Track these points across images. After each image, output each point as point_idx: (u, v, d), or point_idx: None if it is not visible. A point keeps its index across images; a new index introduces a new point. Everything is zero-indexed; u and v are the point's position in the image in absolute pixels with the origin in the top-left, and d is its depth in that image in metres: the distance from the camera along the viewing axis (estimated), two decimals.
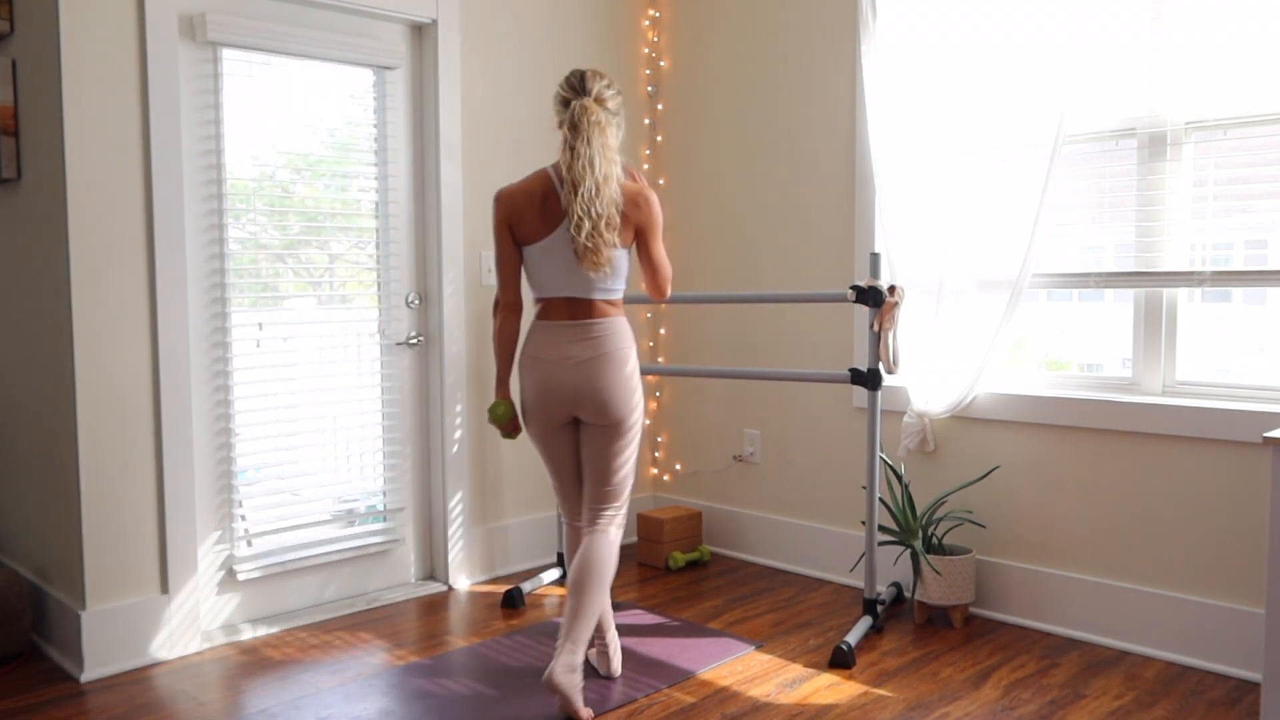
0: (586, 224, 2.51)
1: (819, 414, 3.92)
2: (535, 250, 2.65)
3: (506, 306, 2.74)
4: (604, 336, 2.64)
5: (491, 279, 3.89)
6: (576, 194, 2.52)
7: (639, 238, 2.69)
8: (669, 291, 2.80)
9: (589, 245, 2.52)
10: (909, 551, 3.38)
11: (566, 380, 2.64)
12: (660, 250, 2.73)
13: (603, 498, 2.77)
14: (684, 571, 4.03)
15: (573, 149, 2.53)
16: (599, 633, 2.95)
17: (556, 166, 2.63)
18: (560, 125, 2.63)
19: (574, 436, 2.77)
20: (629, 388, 2.68)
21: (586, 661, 3.03)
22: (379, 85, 3.63)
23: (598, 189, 2.51)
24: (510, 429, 2.81)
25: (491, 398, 3.94)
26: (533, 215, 2.62)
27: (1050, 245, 3.34)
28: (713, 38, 4.20)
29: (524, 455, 4.07)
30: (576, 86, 2.61)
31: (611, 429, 2.70)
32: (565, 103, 2.64)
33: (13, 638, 3.07)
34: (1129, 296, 3.20)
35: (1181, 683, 2.90)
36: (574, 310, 2.65)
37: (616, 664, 2.95)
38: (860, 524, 3.77)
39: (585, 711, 2.59)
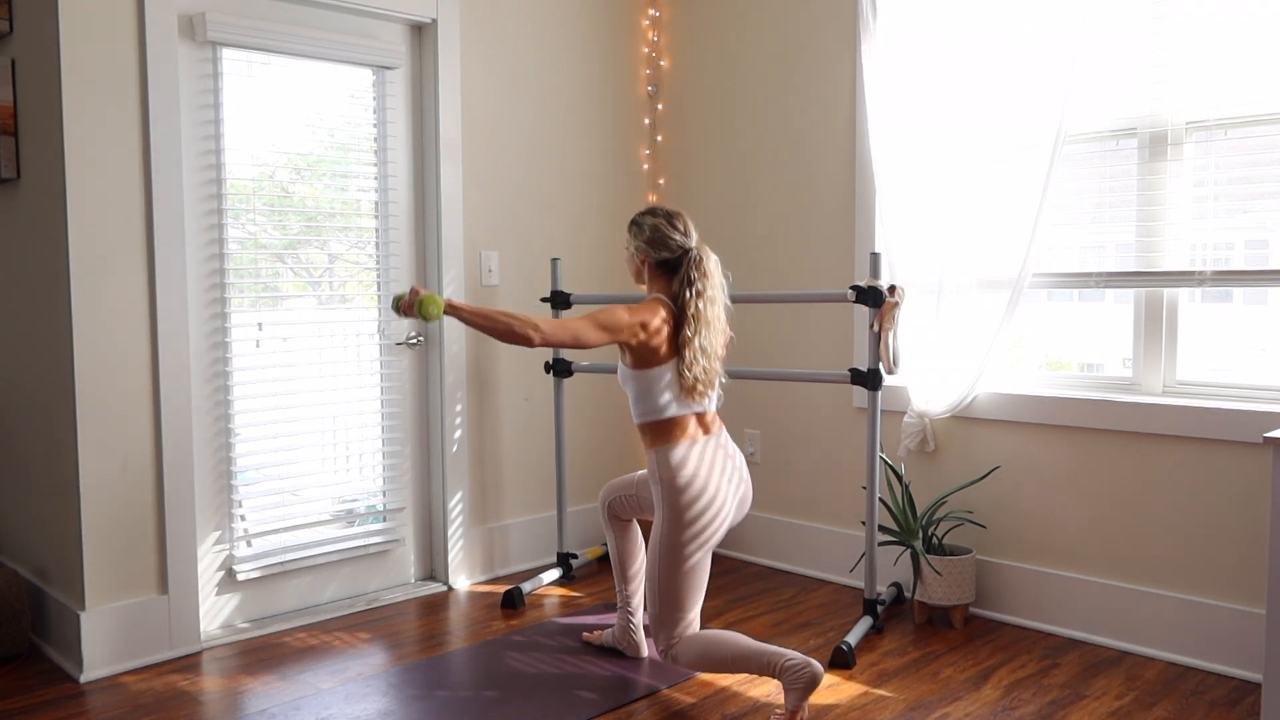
0: (703, 360, 2.70)
1: (819, 414, 3.92)
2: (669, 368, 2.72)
3: (531, 337, 2.60)
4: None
5: (492, 279, 3.88)
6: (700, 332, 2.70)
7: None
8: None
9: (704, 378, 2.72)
10: (909, 552, 3.38)
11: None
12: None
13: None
14: None
15: (701, 294, 2.71)
16: (626, 604, 3.08)
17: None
18: (657, 256, 2.75)
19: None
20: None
21: (612, 646, 3.15)
22: (379, 85, 3.63)
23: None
24: (412, 315, 2.66)
25: (491, 398, 3.93)
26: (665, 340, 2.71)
27: (1051, 245, 3.34)
28: (713, 38, 4.20)
29: (524, 455, 4.07)
30: (684, 230, 2.77)
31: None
32: (664, 240, 2.74)
33: (12, 638, 3.07)
34: (1129, 296, 3.20)
35: (1182, 683, 2.90)
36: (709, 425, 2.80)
37: (643, 641, 3.11)
38: (860, 524, 3.76)
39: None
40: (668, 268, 2.77)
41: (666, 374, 2.70)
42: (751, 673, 2.62)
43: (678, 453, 2.68)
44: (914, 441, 3.55)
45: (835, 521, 3.89)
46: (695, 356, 2.68)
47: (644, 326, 2.66)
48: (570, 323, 2.63)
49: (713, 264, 2.76)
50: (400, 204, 3.71)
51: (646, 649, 3.12)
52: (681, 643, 2.70)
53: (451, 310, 2.63)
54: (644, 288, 2.86)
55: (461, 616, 3.52)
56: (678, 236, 2.75)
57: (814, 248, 3.90)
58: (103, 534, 3.00)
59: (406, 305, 2.63)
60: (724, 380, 2.83)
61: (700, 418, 2.75)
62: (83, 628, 2.96)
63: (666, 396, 2.70)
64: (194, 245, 3.21)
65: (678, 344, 2.70)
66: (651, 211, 2.81)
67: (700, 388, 2.70)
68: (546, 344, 2.62)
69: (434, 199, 3.72)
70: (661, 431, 2.71)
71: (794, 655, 2.55)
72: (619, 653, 3.13)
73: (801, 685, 2.52)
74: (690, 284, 2.71)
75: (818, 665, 2.53)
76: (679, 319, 2.71)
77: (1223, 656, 2.96)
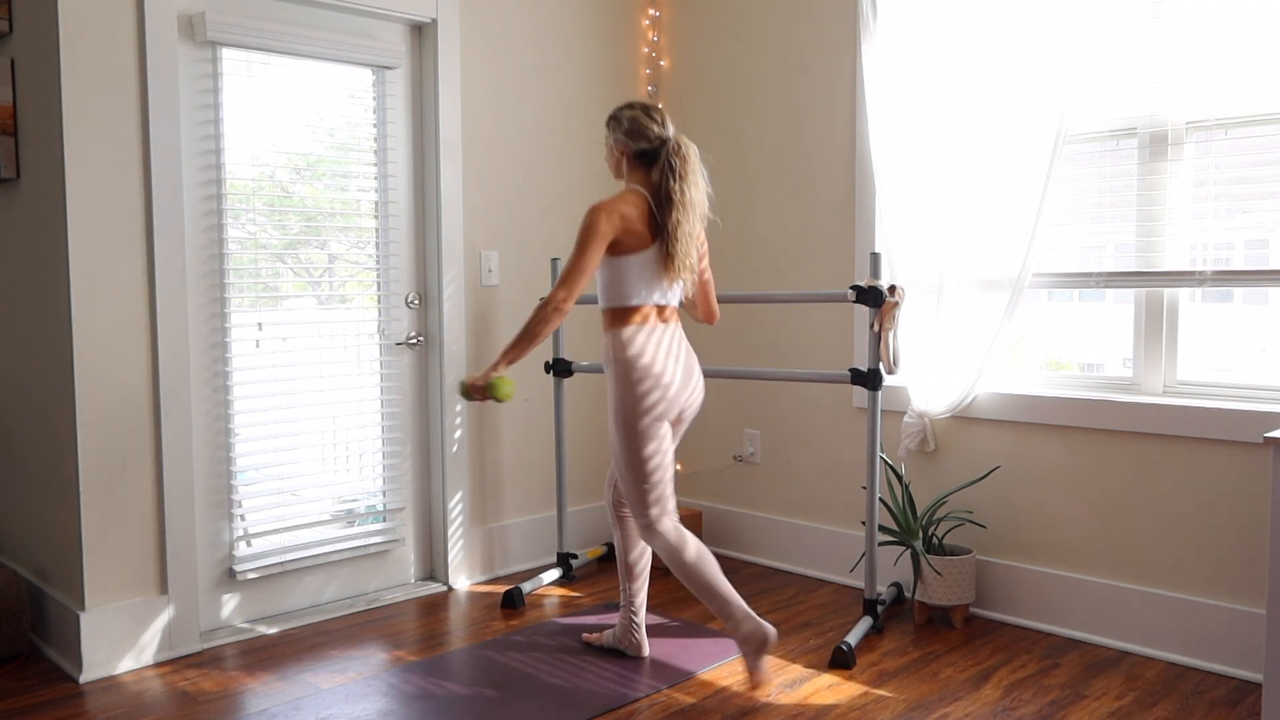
0: (685, 242, 2.78)
1: (819, 414, 3.92)
2: (638, 259, 2.79)
3: (560, 305, 2.74)
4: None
5: (492, 279, 3.88)
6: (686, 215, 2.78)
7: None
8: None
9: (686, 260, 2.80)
10: (909, 552, 3.37)
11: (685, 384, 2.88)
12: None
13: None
14: None
15: (683, 178, 2.78)
16: (629, 603, 3.11)
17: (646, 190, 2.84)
18: (635, 146, 2.82)
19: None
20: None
21: (613, 646, 3.16)
22: (379, 85, 3.63)
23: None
24: (487, 399, 2.82)
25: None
26: (641, 229, 2.78)
27: (1051, 245, 3.33)
28: (713, 38, 4.20)
29: (524, 455, 4.07)
30: (661, 121, 2.84)
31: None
32: (642, 130, 2.80)
33: (12, 638, 3.07)
34: (1130, 296, 3.20)
35: (1182, 683, 2.90)
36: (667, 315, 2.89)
37: (644, 641, 3.14)
38: (860, 524, 3.76)
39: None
40: (646, 158, 2.83)
41: (639, 262, 2.77)
42: (709, 606, 2.77)
43: (629, 332, 2.78)
44: (914, 441, 3.55)
45: (835, 521, 3.89)
46: (685, 238, 2.76)
47: (623, 218, 2.74)
48: (573, 267, 2.72)
49: (692, 151, 2.82)
50: (400, 204, 3.71)
51: (648, 649, 3.12)
52: (662, 529, 2.81)
53: (510, 366, 2.80)
54: (623, 182, 2.91)
55: (461, 616, 3.52)
56: (655, 127, 2.82)
57: (814, 248, 3.90)
58: (102, 534, 2.99)
59: (480, 394, 2.78)
60: (695, 272, 2.86)
61: (661, 310, 2.83)
62: (82, 628, 2.96)
63: (636, 285, 2.78)
64: (193, 245, 3.21)
65: (663, 229, 2.77)
66: (629, 105, 2.87)
67: (684, 272, 2.79)
68: (572, 295, 2.72)
69: (434, 199, 3.72)
70: (622, 316, 2.80)
71: (750, 617, 2.70)
72: (619, 653, 3.13)
73: (754, 647, 2.72)
74: (671, 170, 2.77)
75: (771, 629, 2.69)
76: (662, 206, 2.77)
77: (1223, 656, 2.96)
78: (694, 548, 2.79)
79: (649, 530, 2.83)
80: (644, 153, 2.82)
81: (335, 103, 3.54)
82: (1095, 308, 3.45)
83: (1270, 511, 2.25)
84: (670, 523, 2.83)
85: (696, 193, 2.79)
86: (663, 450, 2.82)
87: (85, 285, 2.93)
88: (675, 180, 2.76)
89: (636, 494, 2.82)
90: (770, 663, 3.03)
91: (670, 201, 2.76)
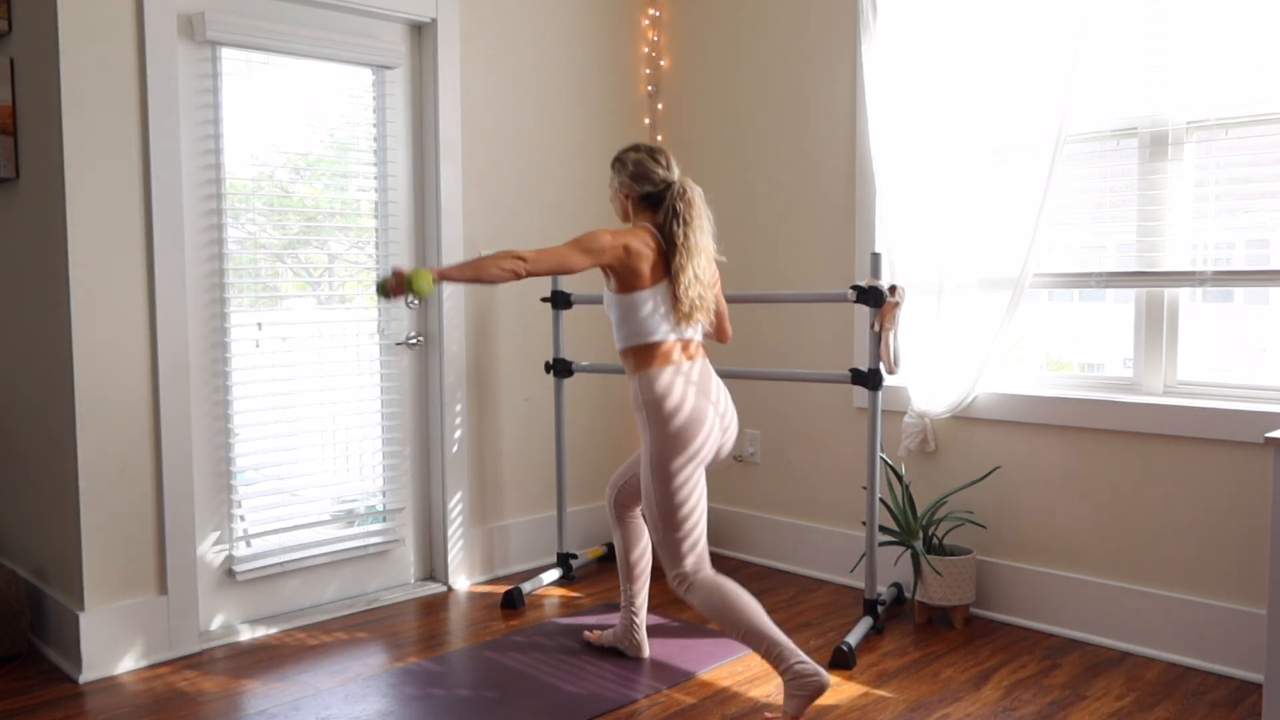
0: (697, 286, 2.74)
1: (819, 414, 3.92)
2: (648, 294, 2.73)
3: (518, 269, 2.61)
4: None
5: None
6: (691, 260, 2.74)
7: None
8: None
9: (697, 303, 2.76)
10: (909, 552, 3.37)
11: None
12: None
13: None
14: None
15: (688, 223, 2.75)
16: (630, 604, 3.09)
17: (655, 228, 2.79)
18: (640, 190, 2.78)
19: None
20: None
21: (613, 646, 3.15)
22: (378, 85, 3.63)
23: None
24: (403, 295, 2.63)
25: (491, 398, 3.93)
26: (645, 267, 2.72)
27: (1051, 245, 3.33)
28: (713, 38, 4.20)
29: (524, 455, 4.06)
30: (666, 165, 2.81)
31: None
32: (647, 174, 2.77)
33: (11, 638, 3.07)
34: (1130, 296, 3.20)
35: (1183, 684, 2.90)
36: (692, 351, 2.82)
37: (645, 642, 3.11)
38: (861, 524, 3.76)
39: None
40: (651, 201, 2.79)
41: (650, 299, 2.71)
42: (755, 651, 2.61)
43: (660, 376, 2.69)
44: (914, 441, 3.55)
45: (835, 521, 3.89)
46: (690, 282, 2.71)
47: (626, 249, 2.68)
48: (552, 252, 2.64)
49: (697, 195, 2.78)
50: (400, 204, 3.71)
51: (648, 649, 3.11)
52: (698, 582, 2.68)
53: (440, 279, 2.63)
54: (630, 224, 2.87)
55: (461, 617, 3.51)
56: (660, 170, 2.78)
57: (814, 248, 3.89)
58: (102, 534, 2.99)
59: (395, 288, 2.59)
60: (711, 311, 2.82)
61: (685, 345, 2.77)
62: (82, 628, 2.96)
63: (651, 321, 2.72)
64: (193, 245, 3.21)
65: (670, 271, 2.72)
66: (634, 148, 2.84)
67: (695, 314, 2.74)
68: (534, 273, 2.62)
69: (434, 199, 3.72)
70: (644, 356, 2.72)
71: (805, 661, 2.54)
72: (619, 653, 3.13)
73: (806, 694, 2.53)
74: (676, 214, 2.73)
75: (826, 676, 2.54)
76: (668, 249, 2.74)
77: (1223, 657, 2.96)
78: (735, 593, 2.64)
79: (683, 582, 2.68)
80: (649, 196, 2.79)
81: (335, 102, 3.54)
82: (1095, 308, 3.45)
83: (1271, 511, 2.25)
84: (707, 575, 2.69)
85: (702, 237, 2.74)
86: (698, 496, 2.70)
87: (85, 285, 2.93)
88: (680, 225, 2.72)
89: (670, 544, 2.68)
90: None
91: (674, 246, 2.72)
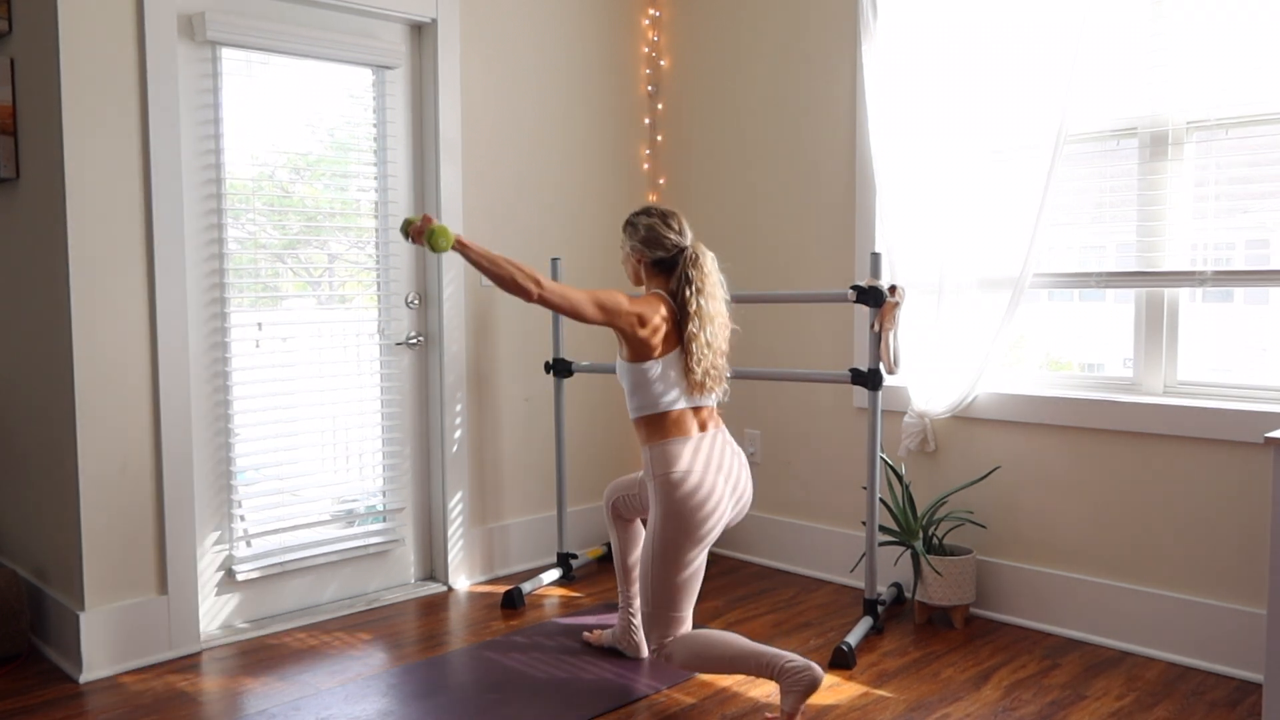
0: (709, 355, 2.71)
1: (819, 414, 3.91)
2: (660, 364, 2.71)
3: (531, 290, 2.61)
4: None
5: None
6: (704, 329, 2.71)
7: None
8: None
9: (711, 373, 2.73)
10: (909, 552, 3.37)
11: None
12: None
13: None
14: None
15: (700, 291, 2.72)
16: (628, 605, 3.09)
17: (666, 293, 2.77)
18: (652, 255, 2.76)
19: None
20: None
21: (613, 646, 3.16)
22: (378, 85, 3.63)
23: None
24: (420, 243, 2.64)
25: (491, 398, 3.93)
26: (656, 338, 2.70)
27: (1051, 245, 3.33)
28: (713, 38, 4.20)
29: (524, 455, 4.06)
30: (679, 230, 2.78)
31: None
32: (659, 239, 2.74)
33: (11, 638, 3.07)
34: (1130, 296, 3.20)
35: (1183, 684, 2.90)
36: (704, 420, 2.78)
37: (643, 642, 3.10)
38: (861, 524, 3.76)
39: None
40: (664, 267, 2.77)
41: (663, 368, 2.69)
42: (748, 674, 2.61)
43: (673, 449, 2.66)
44: (914, 441, 3.55)
45: (835, 521, 3.89)
46: (702, 351, 2.68)
47: (641, 320, 2.65)
48: (571, 292, 2.64)
49: (709, 261, 2.76)
50: (400, 204, 3.71)
51: (647, 649, 3.11)
52: (676, 641, 2.68)
53: (460, 247, 2.63)
54: (642, 289, 2.85)
55: (461, 617, 3.51)
56: (673, 235, 2.76)
57: (814, 248, 3.89)
58: (102, 534, 2.99)
59: (416, 231, 2.61)
60: (729, 376, 2.81)
61: (698, 413, 2.74)
62: (82, 628, 2.96)
63: (662, 390, 2.69)
64: (193, 245, 3.20)
65: (681, 340, 2.70)
66: (646, 211, 2.81)
67: (709, 383, 2.71)
68: (543, 302, 2.63)
69: (434, 199, 3.72)
70: (657, 427, 2.70)
71: (794, 658, 2.55)
72: (619, 653, 3.13)
73: (801, 689, 2.52)
74: (689, 282, 2.71)
75: (818, 669, 2.53)
76: (680, 316, 2.71)
77: (1223, 657, 2.96)
78: (708, 638, 2.64)
79: (663, 649, 2.68)
80: (661, 261, 2.77)
81: (335, 102, 3.54)
82: (1095, 308, 3.45)
83: (1270, 511, 2.25)
84: (680, 639, 2.67)
85: (714, 304, 2.71)
86: (696, 576, 2.69)
87: (85, 285, 2.93)
88: (692, 294, 2.70)
89: (658, 619, 2.67)
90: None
91: (687, 315, 2.69)
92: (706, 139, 4.24)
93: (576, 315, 2.64)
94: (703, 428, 2.73)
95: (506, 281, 2.60)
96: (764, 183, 4.05)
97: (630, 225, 2.81)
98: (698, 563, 2.69)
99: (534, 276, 2.60)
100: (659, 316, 2.68)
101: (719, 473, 2.69)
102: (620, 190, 4.33)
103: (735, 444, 2.81)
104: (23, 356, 3.24)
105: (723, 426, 2.81)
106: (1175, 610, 3.04)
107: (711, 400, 2.78)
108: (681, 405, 2.71)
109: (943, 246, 3.43)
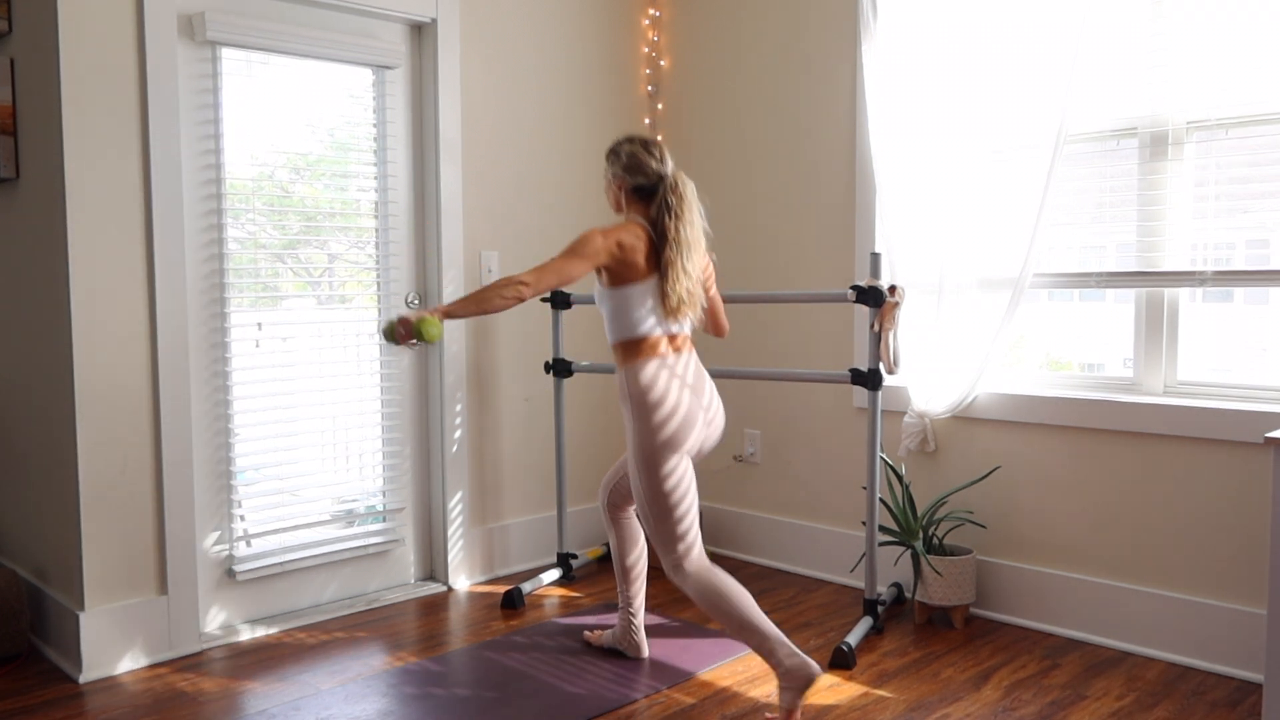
0: (685, 281, 2.74)
1: (819, 414, 3.92)
2: (638, 289, 2.74)
3: (521, 294, 2.64)
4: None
5: (492, 279, 3.88)
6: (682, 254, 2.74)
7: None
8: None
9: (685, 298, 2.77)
10: (909, 552, 3.37)
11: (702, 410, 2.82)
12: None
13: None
14: None
15: (679, 217, 2.76)
16: (627, 605, 3.10)
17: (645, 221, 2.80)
18: (633, 182, 2.79)
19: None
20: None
21: (613, 647, 3.15)
22: (378, 85, 3.63)
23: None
24: (412, 342, 2.65)
25: (491, 398, 3.93)
26: (639, 260, 2.74)
27: (1051, 245, 3.33)
28: (713, 38, 4.20)
29: (524, 455, 4.06)
30: (660, 157, 2.81)
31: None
32: (640, 165, 2.77)
33: (11, 638, 3.07)
34: (1130, 296, 3.20)
35: (1183, 684, 2.90)
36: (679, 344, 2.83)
37: (644, 643, 3.12)
38: (861, 524, 3.76)
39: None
40: (644, 194, 2.80)
41: (641, 293, 2.72)
42: (748, 645, 2.63)
43: (646, 369, 2.71)
44: (914, 441, 3.55)
45: (835, 521, 3.89)
46: (679, 276, 2.71)
47: (620, 245, 2.69)
48: (551, 265, 2.65)
49: (689, 189, 2.78)
50: (400, 204, 3.71)
51: (647, 649, 3.11)
52: (694, 570, 2.70)
53: (448, 318, 2.67)
54: (622, 217, 2.88)
55: (461, 617, 3.51)
56: (654, 163, 2.79)
57: (814, 248, 3.89)
58: (102, 534, 2.99)
59: (404, 336, 2.60)
60: (704, 305, 2.85)
61: (673, 340, 2.78)
62: (82, 628, 2.96)
63: (641, 315, 2.73)
64: (193, 245, 3.21)
65: (660, 265, 2.73)
66: (628, 139, 2.84)
67: (684, 308, 2.75)
68: (539, 293, 2.65)
69: (434, 199, 3.72)
70: (633, 349, 2.74)
71: (793, 651, 2.57)
72: (619, 653, 3.13)
73: (798, 686, 2.55)
74: (668, 208, 2.74)
75: (815, 665, 2.55)
76: (659, 242, 2.74)
77: (1223, 657, 2.96)
78: (727, 585, 2.67)
79: (678, 570, 2.71)
80: (642, 188, 2.79)
81: (335, 102, 3.54)
82: (1095, 308, 3.45)
83: (1271, 511, 2.25)
84: (700, 561, 2.72)
85: (693, 231, 2.75)
86: (686, 483, 2.72)
87: (85, 285, 2.93)
88: (671, 219, 2.73)
89: (662, 532, 2.71)
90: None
91: (665, 240, 2.73)
92: (706, 139, 4.24)
93: (568, 280, 2.67)
94: (676, 351, 2.78)
95: (500, 307, 2.65)
96: (764, 183, 4.05)
97: (613, 152, 2.84)
98: (681, 470, 2.72)
99: (514, 282, 2.62)
100: (637, 240, 2.71)
101: (685, 388, 2.75)
102: None
103: (706, 372, 2.86)
104: (23, 356, 3.24)
105: (694, 351, 2.85)
106: (1175, 610, 3.04)
107: (686, 327, 2.82)
108: (658, 332, 2.75)
109: (943, 246, 3.43)
